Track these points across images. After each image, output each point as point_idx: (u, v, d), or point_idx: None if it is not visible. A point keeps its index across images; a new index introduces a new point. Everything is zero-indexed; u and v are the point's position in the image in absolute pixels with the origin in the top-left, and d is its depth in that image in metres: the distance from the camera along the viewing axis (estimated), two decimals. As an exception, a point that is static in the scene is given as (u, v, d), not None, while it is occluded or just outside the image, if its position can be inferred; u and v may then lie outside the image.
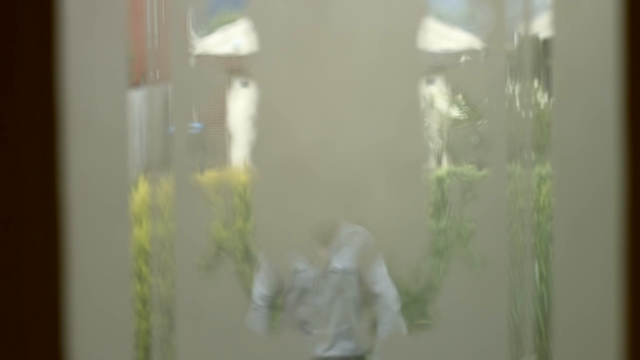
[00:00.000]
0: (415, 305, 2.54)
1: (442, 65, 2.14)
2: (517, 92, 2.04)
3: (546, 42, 1.98)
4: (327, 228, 2.33)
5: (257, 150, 2.04)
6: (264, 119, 2.03)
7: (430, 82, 2.10)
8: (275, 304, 2.43)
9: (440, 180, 3.58)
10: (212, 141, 2.14)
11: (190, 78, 2.02)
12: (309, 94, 2.02)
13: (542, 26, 2.01)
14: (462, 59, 2.15)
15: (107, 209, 1.71)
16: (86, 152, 1.54)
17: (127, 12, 1.79)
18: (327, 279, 2.44)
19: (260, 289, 2.43)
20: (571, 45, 1.88)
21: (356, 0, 2.01)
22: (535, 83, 2.06)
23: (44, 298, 1.23)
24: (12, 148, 1.21)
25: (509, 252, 2.03)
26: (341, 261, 2.44)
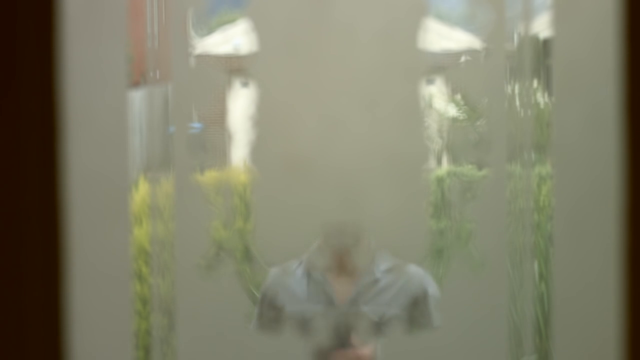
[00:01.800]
0: (415, 305, 2.54)
1: (442, 65, 2.14)
2: (516, 92, 2.04)
3: (546, 42, 1.98)
4: (348, 250, 2.02)
5: (257, 150, 2.04)
6: (264, 119, 2.03)
7: (430, 82, 2.10)
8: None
9: (440, 180, 3.58)
10: (212, 141, 2.14)
11: (190, 78, 2.02)
12: (309, 94, 2.02)
13: (542, 26, 2.01)
14: (462, 59, 2.15)
15: (107, 209, 1.71)
16: (86, 152, 1.54)
17: (127, 12, 1.79)
18: (352, 322, 2.04)
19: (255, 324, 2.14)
20: (571, 45, 1.88)
21: (356, 0, 2.01)
22: (535, 83, 2.06)
23: (44, 298, 1.23)
24: (12, 148, 1.21)
25: (509, 252, 2.03)
26: (377, 306, 2.07)
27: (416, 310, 2.13)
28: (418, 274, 2.11)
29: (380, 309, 2.12)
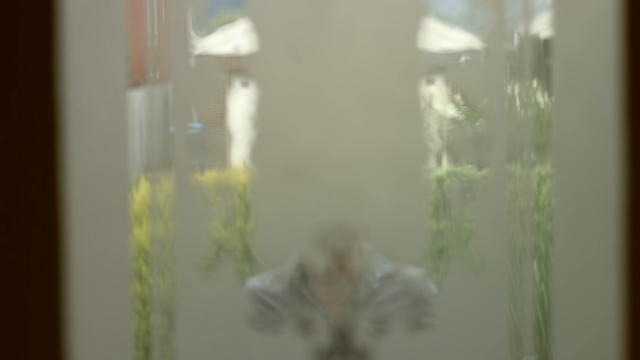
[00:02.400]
0: (415, 305, 2.54)
1: (442, 65, 2.14)
2: (517, 92, 2.04)
3: (546, 42, 1.98)
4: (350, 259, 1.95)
5: (257, 150, 2.04)
6: (264, 119, 2.03)
7: (430, 82, 2.10)
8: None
9: (440, 180, 3.58)
10: (212, 141, 2.14)
11: (190, 78, 2.02)
12: (309, 94, 2.02)
13: (542, 26, 2.01)
14: (462, 59, 2.15)
15: (107, 209, 1.71)
16: (86, 152, 1.54)
17: (127, 12, 1.79)
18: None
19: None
20: (571, 45, 1.88)
21: (356, 0, 2.01)
22: (535, 83, 2.06)
23: (44, 298, 1.23)
24: (12, 148, 1.21)
25: (509, 252, 2.03)
26: (375, 317, 1.99)
27: (415, 312, 2.11)
28: (416, 278, 2.07)
29: (379, 321, 2.06)
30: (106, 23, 1.72)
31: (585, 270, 1.85)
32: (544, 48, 2.06)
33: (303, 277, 2.15)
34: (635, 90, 1.31)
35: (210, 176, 2.24)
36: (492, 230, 2.03)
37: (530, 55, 2.03)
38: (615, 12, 1.37)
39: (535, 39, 2.03)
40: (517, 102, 2.05)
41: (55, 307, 1.21)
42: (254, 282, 2.11)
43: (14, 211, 1.19)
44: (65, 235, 1.22)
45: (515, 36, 2.03)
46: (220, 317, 2.05)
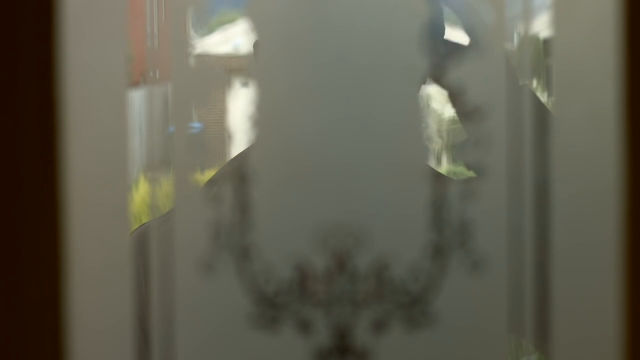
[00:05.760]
0: (415, 305, 2.54)
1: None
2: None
3: (546, 42, 1.98)
4: None
5: (257, 150, 2.04)
6: (264, 119, 2.03)
7: (430, 82, 2.11)
8: None
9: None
10: (212, 141, 2.14)
11: (190, 78, 2.02)
12: (309, 94, 2.02)
13: (542, 26, 2.01)
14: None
15: (107, 209, 1.71)
16: (86, 152, 1.54)
17: (127, 12, 1.79)
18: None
19: None
20: (571, 45, 1.88)
21: (356, 0, 2.01)
22: (535, 83, 2.06)
23: (44, 298, 1.23)
24: (12, 148, 1.21)
25: (509, 252, 2.03)
26: None
27: None
28: None
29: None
30: (106, 23, 1.73)
31: (585, 270, 1.85)
32: (544, 48, 2.06)
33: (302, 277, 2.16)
34: (635, 90, 1.32)
35: (210, 176, 2.24)
36: (492, 230, 2.03)
37: (530, 55, 2.03)
38: (616, 12, 1.38)
39: (535, 39, 2.03)
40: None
41: (55, 307, 1.21)
42: None
43: (14, 211, 1.19)
44: (65, 235, 1.22)
45: (515, 36, 2.03)
46: (220, 317, 2.05)
